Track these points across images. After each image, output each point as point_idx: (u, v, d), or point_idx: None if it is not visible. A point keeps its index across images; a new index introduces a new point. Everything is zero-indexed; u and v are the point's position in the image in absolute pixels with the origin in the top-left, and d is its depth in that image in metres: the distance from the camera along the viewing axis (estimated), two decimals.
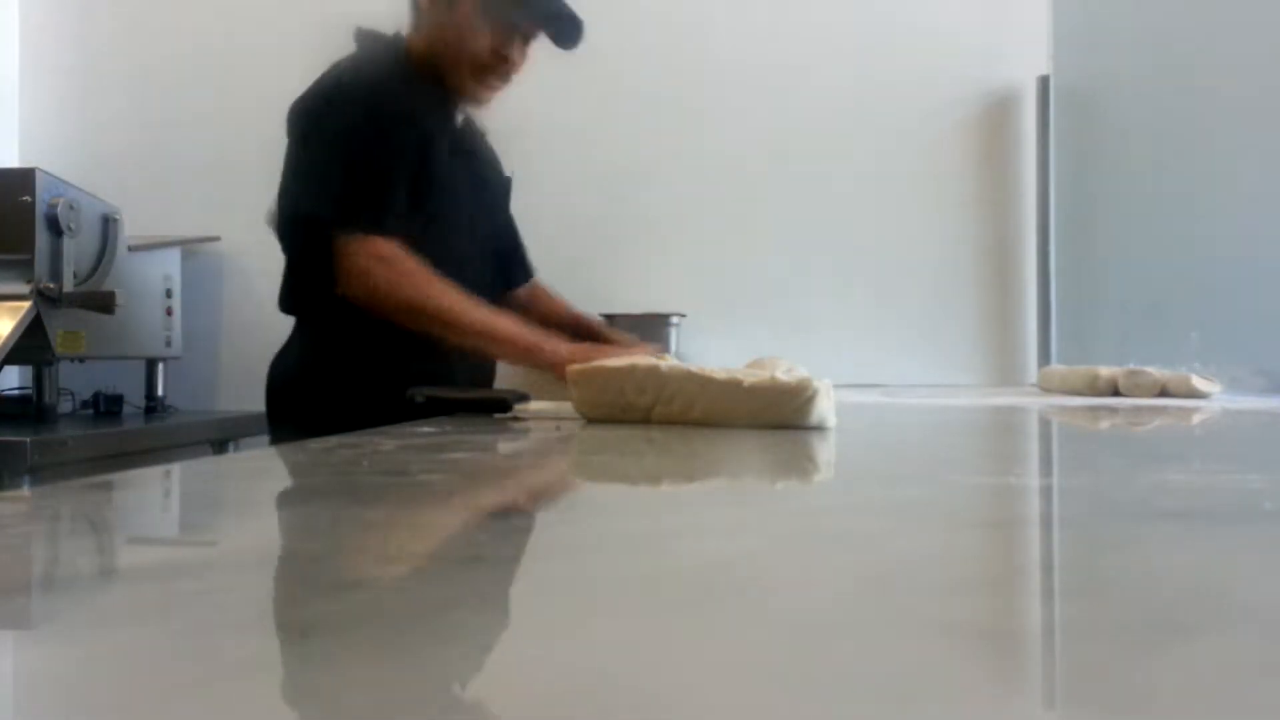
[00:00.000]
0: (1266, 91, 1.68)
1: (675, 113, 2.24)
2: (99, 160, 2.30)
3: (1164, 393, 1.40)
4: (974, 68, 2.18)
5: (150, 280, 2.08)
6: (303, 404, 1.33)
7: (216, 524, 0.46)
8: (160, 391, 2.15)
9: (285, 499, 0.52)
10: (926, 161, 2.19)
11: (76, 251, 1.77)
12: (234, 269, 2.32)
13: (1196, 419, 1.07)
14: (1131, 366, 1.46)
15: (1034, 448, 0.84)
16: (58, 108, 2.41)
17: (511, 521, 0.46)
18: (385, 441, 0.71)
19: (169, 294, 2.15)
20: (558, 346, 1.25)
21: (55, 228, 1.72)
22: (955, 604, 0.27)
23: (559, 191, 2.19)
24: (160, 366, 2.15)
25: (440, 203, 1.33)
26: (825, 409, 0.81)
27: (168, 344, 2.13)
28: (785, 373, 0.85)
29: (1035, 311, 2.13)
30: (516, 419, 0.97)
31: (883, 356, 2.14)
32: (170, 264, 2.17)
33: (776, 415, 0.81)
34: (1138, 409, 1.20)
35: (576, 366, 0.94)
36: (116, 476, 0.56)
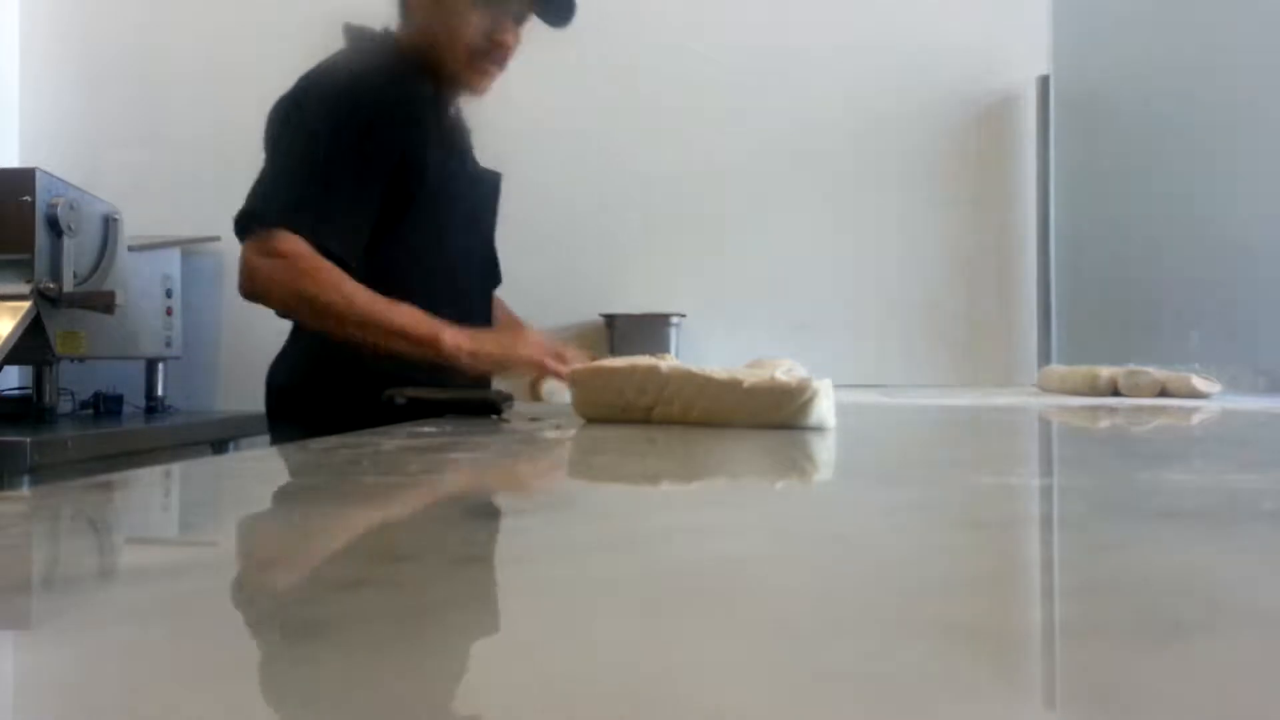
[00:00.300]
0: (1266, 91, 1.68)
1: (676, 112, 2.24)
2: (99, 160, 2.31)
3: (1164, 393, 1.40)
4: (974, 68, 2.18)
5: (150, 280, 2.08)
6: (301, 405, 1.33)
7: (216, 524, 0.46)
8: (160, 391, 2.16)
9: (285, 499, 0.52)
10: (926, 161, 2.19)
11: (76, 251, 1.77)
12: (234, 269, 2.30)
13: (1196, 419, 1.07)
14: (1131, 366, 1.46)
15: (1034, 448, 0.84)
16: (58, 108, 2.41)
17: (511, 521, 0.46)
18: (385, 441, 0.71)
19: (169, 294, 2.15)
20: (456, 336, 1.22)
21: (55, 228, 1.72)
22: (955, 604, 0.27)
23: (559, 191, 2.20)
24: (160, 366, 2.15)
25: (432, 199, 1.32)
26: (825, 409, 0.81)
27: (168, 344, 2.13)
28: (785, 373, 0.85)
29: (1035, 311, 2.13)
30: (505, 420, 0.97)
31: (883, 356, 2.14)
32: (170, 264, 2.17)
33: (776, 415, 0.81)
34: (1138, 409, 1.20)
35: (576, 367, 0.94)
36: (116, 476, 0.56)
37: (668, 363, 0.89)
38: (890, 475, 0.60)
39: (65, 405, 2.00)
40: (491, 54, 1.35)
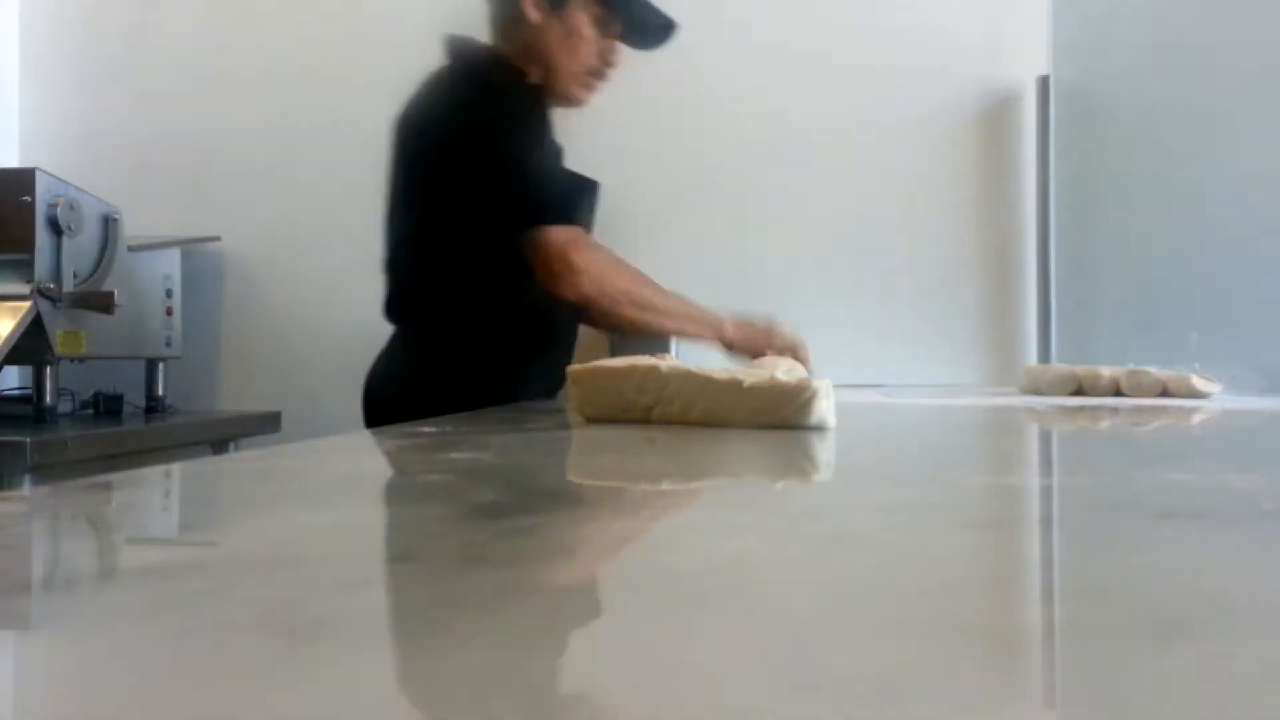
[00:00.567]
0: (1267, 91, 1.68)
1: (674, 112, 2.24)
2: (99, 160, 2.31)
3: (1165, 393, 1.40)
4: (974, 68, 2.18)
5: (150, 280, 2.08)
6: (401, 415, 1.35)
7: (217, 524, 0.46)
8: (160, 391, 2.15)
9: (286, 499, 0.52)
10: (926, 161, 2.19)
11: (76, 251, 1.77)
12: (234, 269, 2.32)
13: (1196, 419, 1.07)
14: (1132, 366, 1.46)
15: (1034, 448, 0.84)
16: (58, 108, 2.41)
17: (511, 521, 0.46)
18: (386, 441, 0.71)
19: (169, 294, 2.15)
20: (731, 325, 1.47)
21: (55, 228, 1.72)
22: (955, 604, 0.27)
23: None
24: (160, 366, 2.15)
25: (582, 195, 1.45)
26: (825, 409, 0.81)
27: (168, 344, 2.13)
28: (785, 373, 0.85)
29: (1035, 311, 2.13)
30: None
31: (883, 356, 2.14)
32: (170, 264, 2.17)
33: (776, 415, 0.81)
34: (1138, 409, 1.20)
35: (575, 366, 0.94)
36: (116, 476, 0.56)
37: (668, 363, 0.89)
38: (890, 475, 0.60)
39: (65, 405, 2.00)
40: (602, 71, 1.48)
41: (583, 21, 1.43)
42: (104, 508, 0.48)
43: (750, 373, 0.85)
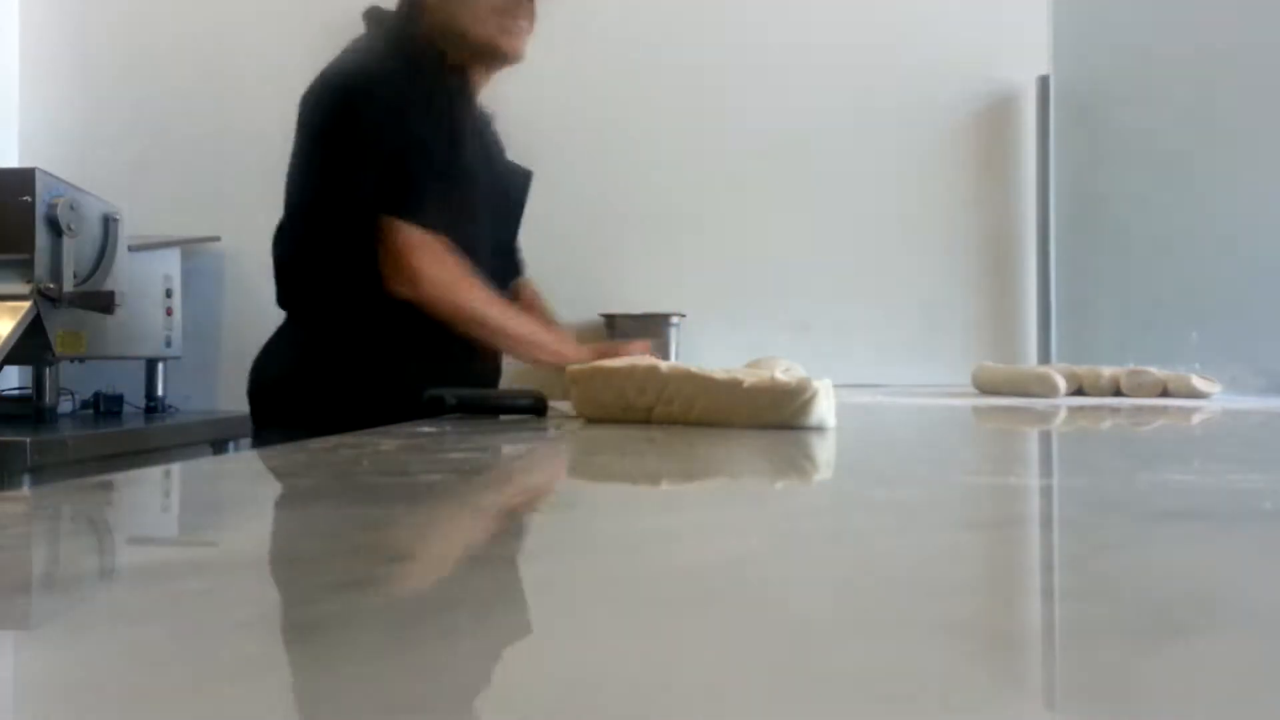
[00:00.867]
0: (1266, 91, 1.68)
1: (675, 111, 2.24)
2: (99, 160, 2.30)
3: (1165, 393, 1.40)
4: (974, 68, 2.18)
5: (150, 280, 2.08)
6: (292, 404, 1.31)
7: (217, 524, 0.46)
8: (160, 391, 2.15)
9: (285, 499, 0.52)
10: (926, 161, 2.19)
11: (76, 251, 1.77)
12: (234, 269, 2.32)
13: (1196, 419, 1.07)
14: (1132, 366, 1.46)
15: (1034, 448, 0.84)
16: (58, 108, 2.41)
17: (511, 521, 0.46)
18: (385, 441, 0.71)
19: (169, 294, 2.15)
20: (579, 349, 1.34)
21: (55, 228, 1.72)
22: (955, 604, 0.27)
23: (558, 190, 2.19)
24: (160, 366, 2.15)
25: (462, 191, 1.32)
26: (825, 409, 0.81)
27: (168, 344, 2.13)
28: (785, 373, 0.85)
29: (1035, 312, 2.13)
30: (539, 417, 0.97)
31: (883, 357, 2.14)
32: (170, 264, 2.17)
33: (776, 415, 0.81)
34: (1138, 409, 1.20)
35: (575, 367, 0.94)
36: (116, 476, 0.56)
37: (668, 363, 0.89)
38: (890, 475, 0.60)
39: (65, 405, 2.00)
40: (520, 7, 1.35)
41: None
42: (104, 508, 0.48)
43: (750, 373, 0.85)
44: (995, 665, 0.22)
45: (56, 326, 1.72)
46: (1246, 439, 0.87)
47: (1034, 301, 2.13)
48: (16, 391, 2.06)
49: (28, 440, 1.50)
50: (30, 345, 1.67)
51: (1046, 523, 0.43)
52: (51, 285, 1.70)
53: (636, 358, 0.94)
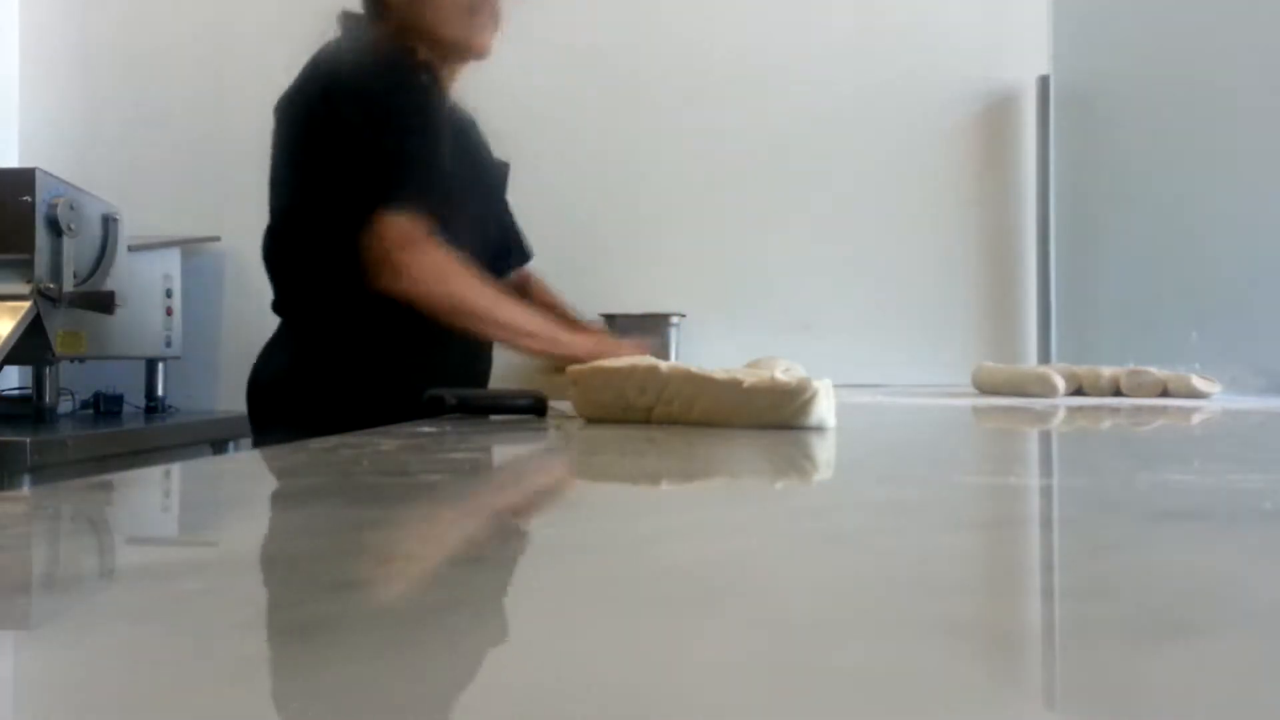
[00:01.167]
0: (1266, 91, 1.68)
1: (675, 111, 2.24)
2: (99, 160, 2.30)
3: (1165, 393, 1.40)
4: (974, 68, 2.18)
5: (150, 280, 2.08)
6: (290, 408, 1.31)
7: (216, 524, 0.46)
8: (160, 391, 2.16)
9: (285, 499, 0.52)
10: (926, 161, 2.19)
11: (76, 251, 1.77)
12: (234, 269, 2.32)
13: (1196, 419, 1.07)
14: (1132, 366, 1.46)
15: (1034, 448, 0.84)
16: (58, 108, 2.41)
17: (512, 522, 0.46)
18: (385, 441, 0.71)
19: (169, 294, 2.15)
20: (582, 339, 1.32)
21: (55, 228, 1.72)
22: (955, 604, 0.27)
23: (558, 190, 2.19)
24: (160, 366, 2.15)
25: (443, 187, 1.32)
26: (825, 409, 0.81)
27: (168, 344, 2.13)
28: (785, 373, 0.85)
29: (1035, 312, 2.13)
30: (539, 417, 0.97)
31: (883, 356, 2.14)
32: (170, 264, 2.17)
33: (776, 415, 0.81)
34: (1138, 409, 1.20)
35: (575, 367, 0.94)
36: (116, 476, 0.56)
37: (668, 363, 0.89)
38: (890, 475, 0.60)
39: (65, 405, 2.00)
40: (486, 5, 1.36)
41: None
42: (104, 508, 0.48)
43: (750, 373, 0.85)
44: (995, 665, 0.22)
45: (56, 326, 1.72)
46: (1246, 439, 0.87)
47: (1034, 301, 2.13)
48: (16, 391, 2.06)
49: (28, 440, 1.50)
50: (30, 345, 1.67)
51: (1046, 523, 0.43)
52: (51, 285, 1.70)
53: (638, 356, 0.94)
